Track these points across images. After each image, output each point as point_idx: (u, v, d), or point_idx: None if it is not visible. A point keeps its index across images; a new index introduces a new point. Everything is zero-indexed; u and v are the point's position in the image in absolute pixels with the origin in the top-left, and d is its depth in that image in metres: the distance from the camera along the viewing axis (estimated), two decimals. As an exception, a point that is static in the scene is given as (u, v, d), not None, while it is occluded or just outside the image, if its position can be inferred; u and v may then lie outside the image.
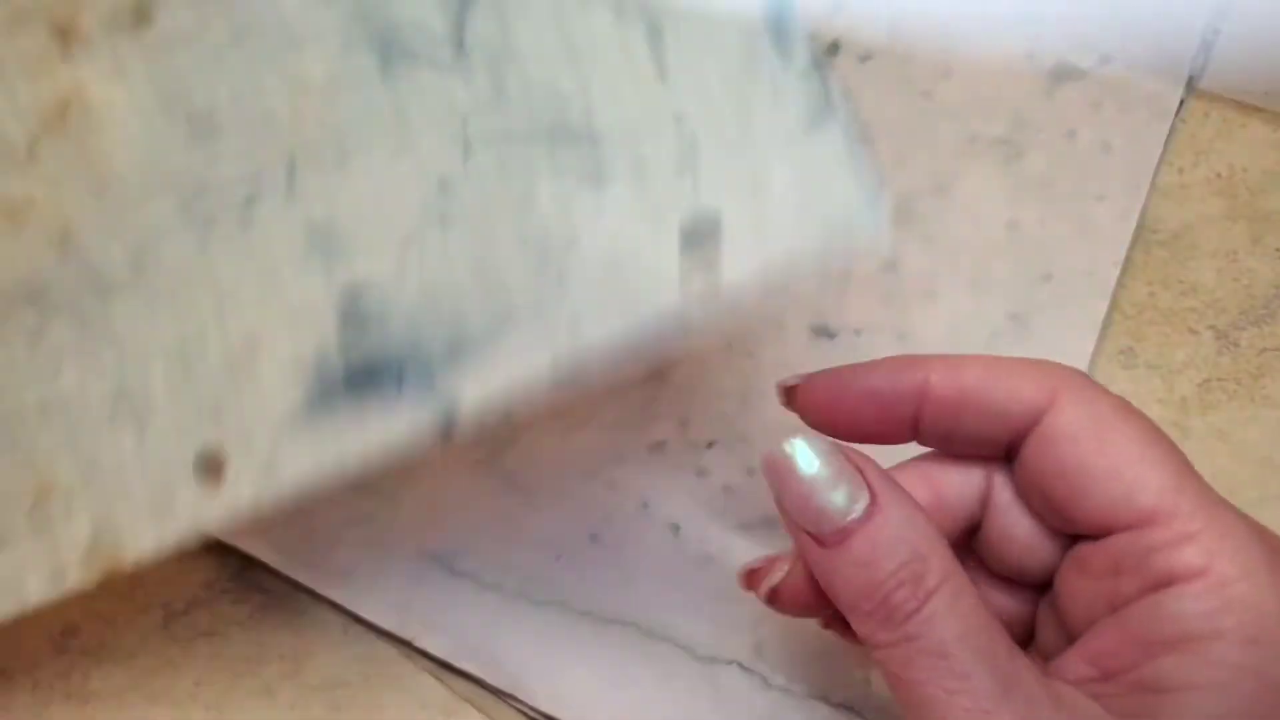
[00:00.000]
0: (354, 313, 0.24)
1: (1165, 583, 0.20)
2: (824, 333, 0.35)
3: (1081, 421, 0.22)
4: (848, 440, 0.23)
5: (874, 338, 0.34)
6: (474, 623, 0.32)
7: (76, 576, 0.26)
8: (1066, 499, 0.21)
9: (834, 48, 0.39)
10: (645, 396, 0.34)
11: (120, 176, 0.25)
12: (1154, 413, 0.34)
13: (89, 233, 0.25)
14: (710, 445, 0.33)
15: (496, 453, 0.34)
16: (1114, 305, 0.36)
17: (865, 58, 0.39)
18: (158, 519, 0.25)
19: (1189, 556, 0.20)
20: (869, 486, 0.21)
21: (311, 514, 0.33)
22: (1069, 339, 0.34)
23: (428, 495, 0.34)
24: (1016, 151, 0.37)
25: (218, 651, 0.32)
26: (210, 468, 0.25)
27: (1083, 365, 0.33)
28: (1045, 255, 0.35)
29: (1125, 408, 0.22)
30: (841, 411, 0.24)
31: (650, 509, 0.33)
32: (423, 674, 0.32)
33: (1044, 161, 0.37)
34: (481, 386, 0.24)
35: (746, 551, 0.31)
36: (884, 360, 0.24)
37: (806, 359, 0.33)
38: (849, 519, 0.21)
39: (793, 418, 0.26)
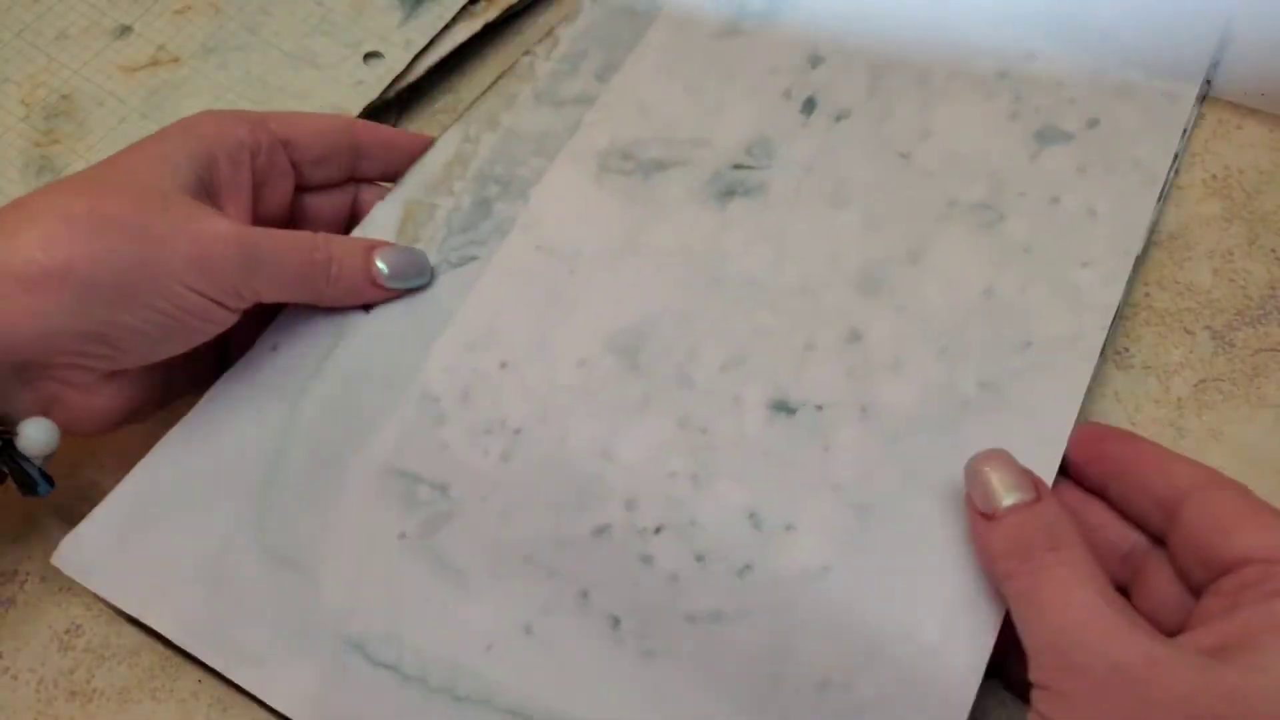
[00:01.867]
0: None
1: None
2: (783, 408, 0.33)
3: (1237, 492, 0.28)
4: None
5: (836, 412, 0.33)
6: (391, 718, 0.30)
7: None
8: (1219, 541, 0.27)
9: (810, 105, 0.39)
10: (590, 475, 0.32)
11: None
12: (1150, 413, 0.34)
13: None
14: (658, 530, 0.31)
15: (430, 530, 0.32)
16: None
17: (841, 116, 0.38)
18: None
19: None
20: (1036, 488, 0.28)
21: (223, 585, 0.32)
22: (1048, 407, 0.32)
23: (351, 573, 0.32)
24: (997, 216, 0.36)
25: (220, 650, 0.32)
26: None
27: (1065, 434, 0.31)
28: (1024, 322, 0.34)
29: (1255, 495, 0.28)
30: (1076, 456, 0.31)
31: (590, 599, 0.31)
32: None
33: (1026, 227, 0.35)
34: None
35: (693, 645, 0.30)
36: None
37: (764, 437, 0.32)
38: (1014, 502, 0.28)
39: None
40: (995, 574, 0.28)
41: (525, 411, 0.34)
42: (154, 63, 0.42)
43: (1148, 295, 0.36)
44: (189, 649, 0.31)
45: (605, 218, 0.37)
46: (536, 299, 0.36)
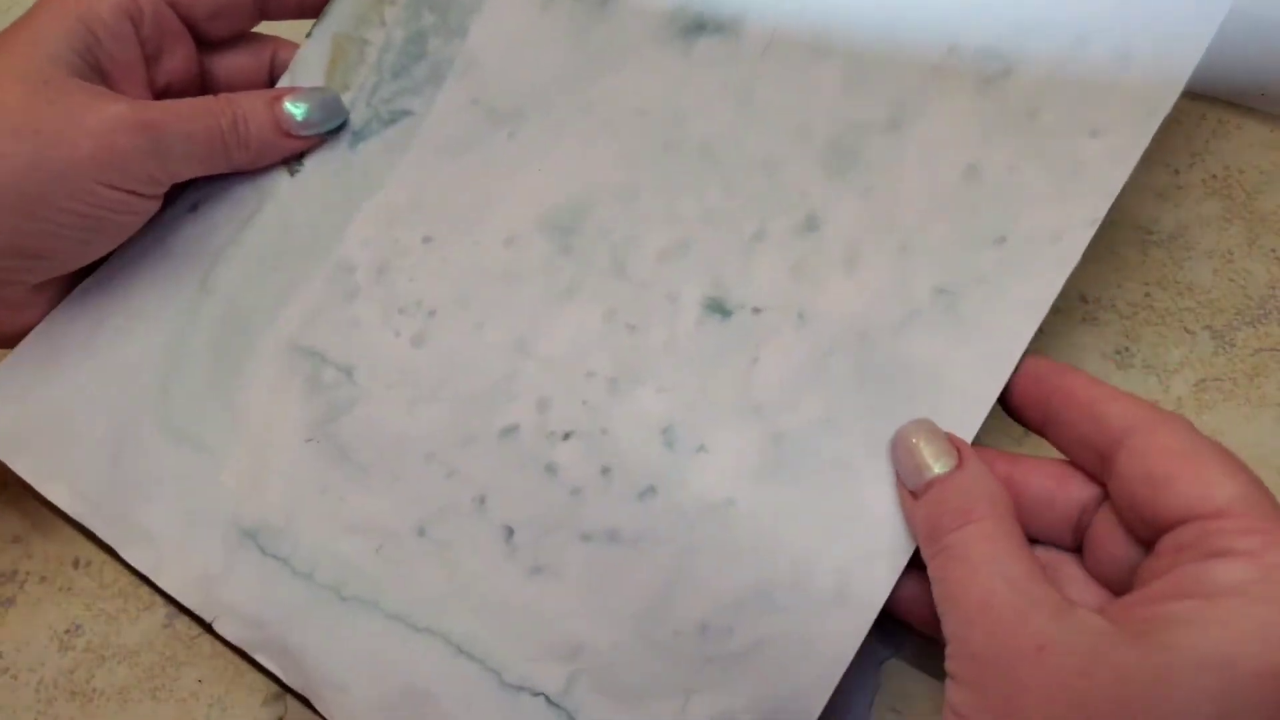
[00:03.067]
0: None
1: (1217, 555, 0.23)
2: (718, 309, 0.30)
3: (1173, 436, 0.25)
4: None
5: (772, 317, 0.29)
6: (276, 613, 0.29)
7: None
8: (1152, 496, 0.24)
9: None
10: (504, 370, 0.30)
11: None
12: (1150, 412, 0.34)
13: None
14: (567, 437, 0.30)
15: (331, 417, 0.31)
16: (1110, 305, 0.36)
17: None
18: None
19: (1247, 542, 0.23)
20: (959, 454, 0.26)
21: (122, 458, 0.30)
22: (1002, 326, 0.28)
23: (252, 460, 0.30)
24: (1003, 69, 0.30)
25: (220, 650, 0.32)
26: None
27: (1010, 365, 0.28)
28: (1005, 210, 0.29)
29: (1207, 438, 0.25)
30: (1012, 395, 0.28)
31: (487, 506, 0.29)
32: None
33: (1034, 81, 0.29)
34: None
35: (583, 566, 0.28)
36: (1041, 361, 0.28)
37: (693, 341, 0.30)
38: (935, 474, 0.26)
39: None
40: (922, 549, 0.26)
41: (443, 292, 0.31)
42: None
43: (1148, 295, 0.36)
44: (83, 522, 0.31)
45: (552, 61, 0.33)
46: (469, 167, 0.33)
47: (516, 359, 0.30)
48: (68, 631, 0.33)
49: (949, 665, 0.25)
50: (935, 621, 0.26)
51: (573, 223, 0.31)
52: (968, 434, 0.28)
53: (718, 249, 0.30)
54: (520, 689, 0.28)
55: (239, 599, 0.29)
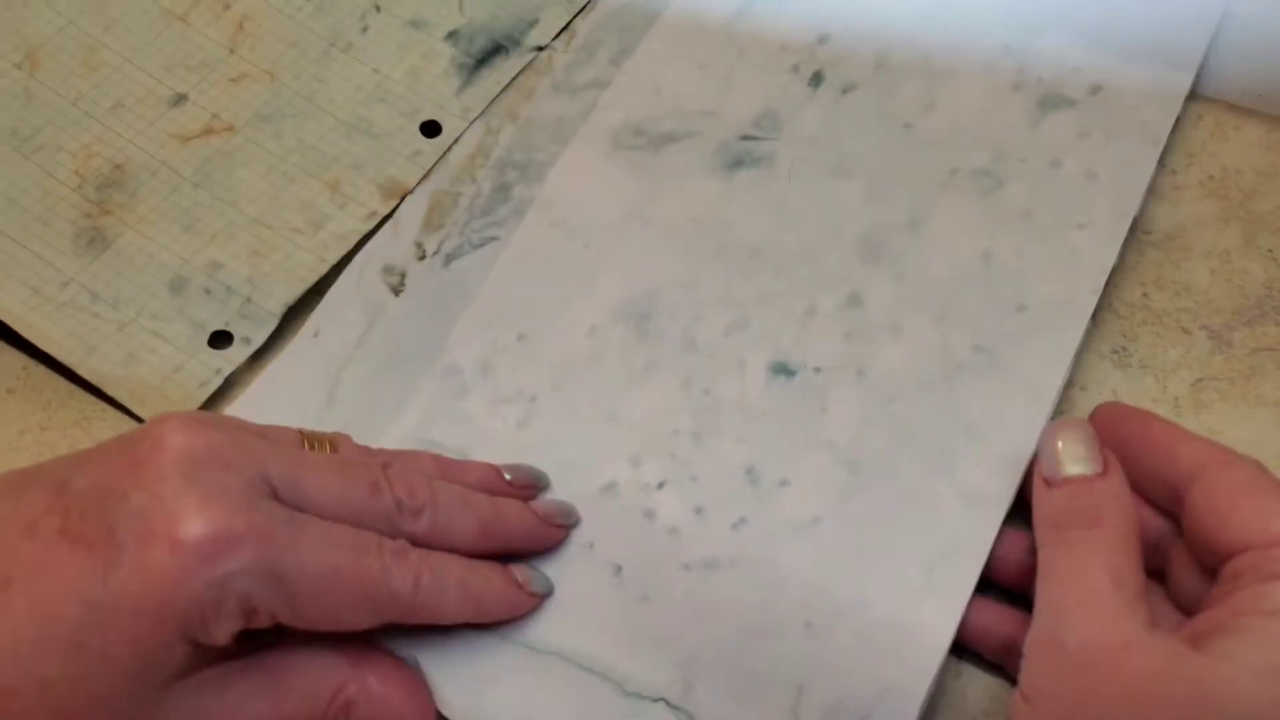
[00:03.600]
0: None
1: (1274, 578, 0.25)
2: (783, 370, 0.34)
3: (1242, 473, 0.28)
4: None
5: (833, 375, 0.34)
6: (403, 638, 0.30)
7: None
8: (1217, 527, 0.27)
9: (817, 79, 0.40)
10: (598, 436, 0.34)
11: None
12: (1147, 412, 0.34)
13: None
14: (661, 486, 0.33)
15: None
16: (1107, 305, 0.36)
17: (848, 89, 0.39)
18: None
19: None
20: (1106, 463, 0.28)
21: None
22: (1038, 369, 0.33)
23: None
24: (997, 183, 0.37)
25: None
26: None
27: (1052, 397, 0.33)
28: (1020, 285, 0.35)
29: (1275, 477, 0.28)
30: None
31: (595, 550, 0.32)
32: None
33: (1025, 192, 0.36)
34: None
35: (687, 591, 0.31)
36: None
37: (764, 399, 0.34)
38: (1078, 473, 0.28)
39: None
40: (1036, 539, 0.28)
41: (540, 380, 0.35)
42: (208, 131, 0.40)
43: (1145, 295, 0.36)
44: None
45: (616, 191, 0.39)
46: (551, 273, 0.37)
47: (608, 427, 0.34)
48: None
49: (1029, 650, 0.26)
50: (1003, 650, 0.29)
51: (645, 311, 0.36)
52: (1021, 461, 0.31)
53: (775, 322, 0.35)
54: (641, 697, 0.30)
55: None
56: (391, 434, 0.35)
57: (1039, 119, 0.38)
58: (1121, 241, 0.35)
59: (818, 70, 0.40)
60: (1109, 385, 0.35)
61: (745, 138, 0.39)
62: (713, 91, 0.40)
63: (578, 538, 0.33)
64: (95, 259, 0.38)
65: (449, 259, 0.38)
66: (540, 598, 0.31)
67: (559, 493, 0.33)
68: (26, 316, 0.37)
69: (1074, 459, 0.28)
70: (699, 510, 0.33)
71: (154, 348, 0.37)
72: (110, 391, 0.36)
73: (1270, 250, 0.37)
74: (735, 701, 0.30)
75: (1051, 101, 0.38)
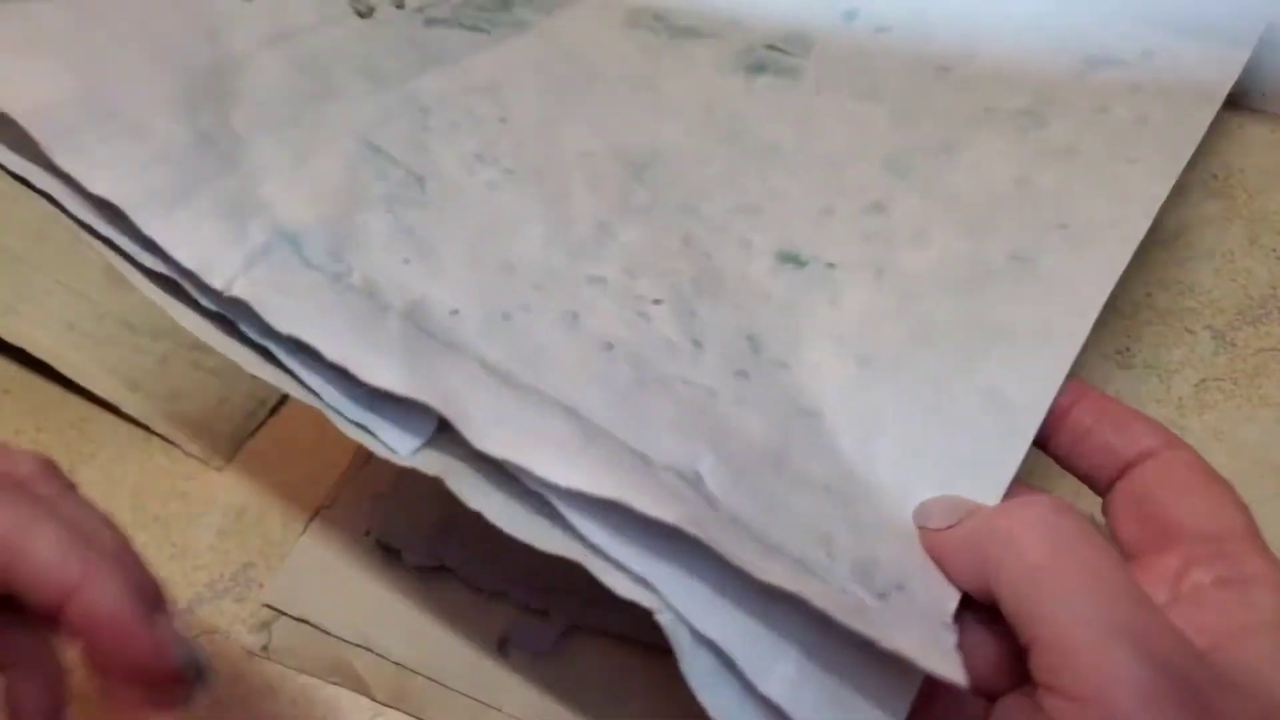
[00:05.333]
0: None
1: (1242, 577, 0.24)
2: (792, 259, 0.30)
3: (1194, 457, 0.26)
4: None
5: (849, 273, 0.30)
6: (316, 310, 0.26)
7: None
8: (1168, 506, 0.25)
9: (851, 14, 0.37)
10: (586, 236, 0.29)
11: None
12: (1151, 412, 0.34)
13: None
14: (658, 302, 0.28)
15: (398, 202, 0.29)
16: (1111, 305, 0.36)
17: (882, 29, 0.36)
18: None
19: (1260, 562, 0.24)
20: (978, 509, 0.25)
21: (141, 121, 0.28)
22: (1082, 283, 0.29)
23: (302, 178, 0.29)
24: (1039, 122, 0.33)
25: (220, 650, 0.32)
26: None
27: (1095, 309, 0.28)
28: (1062, 207, 0.31)
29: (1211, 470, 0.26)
30: None
31: (580, 321, 0.27)
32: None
33: (1070, 130, 0.33)
34: None
35: (687, 405, 0.26)
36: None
37: (768, 281, 0.29)
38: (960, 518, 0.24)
39: None
40: (983, 549, 0.23)
41: (522, 162, 0.31)
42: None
43: (1149, 295, 0.36)
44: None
45: (625, 58, 0.35)
46: (547, 86, 0.33)
47: (600, 234, 0.29)
48: (67, 631, 0.33)
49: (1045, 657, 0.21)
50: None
51: (646, 160, 0.32)
52: (1059, 373, 0.27)
53: (787, 216, 0.31)
54: (645, 459, 0.24)
55: (270, 285, 0.26)
56: (330, 113, 0.30)
57: (1086, 72, 0.34)
58: (1175, 178, 0.31)
59: (853, 8, 0.37)
60: (1112, 386, 0.35)
61: (771, 47, 0.36)
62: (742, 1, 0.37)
63: (556, 304, 0.27)
64: (129, 290, 0.36)
65: (430, 21, 0.34)
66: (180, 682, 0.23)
67: (539, 254, 0.28)
68: (67, 355, 0.36)
69: (957, 509, 0.25)
70: (697, 343, 0.27)
71: (198, 380, 0.36)
72: (159, 429, 0.36)
73: (1275, 250, 0.37)
74: (758, 504, 0.24)
75: (1100, 59, 0.34)
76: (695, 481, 0.24)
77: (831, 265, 0.30)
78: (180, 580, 0.34)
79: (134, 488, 0.36)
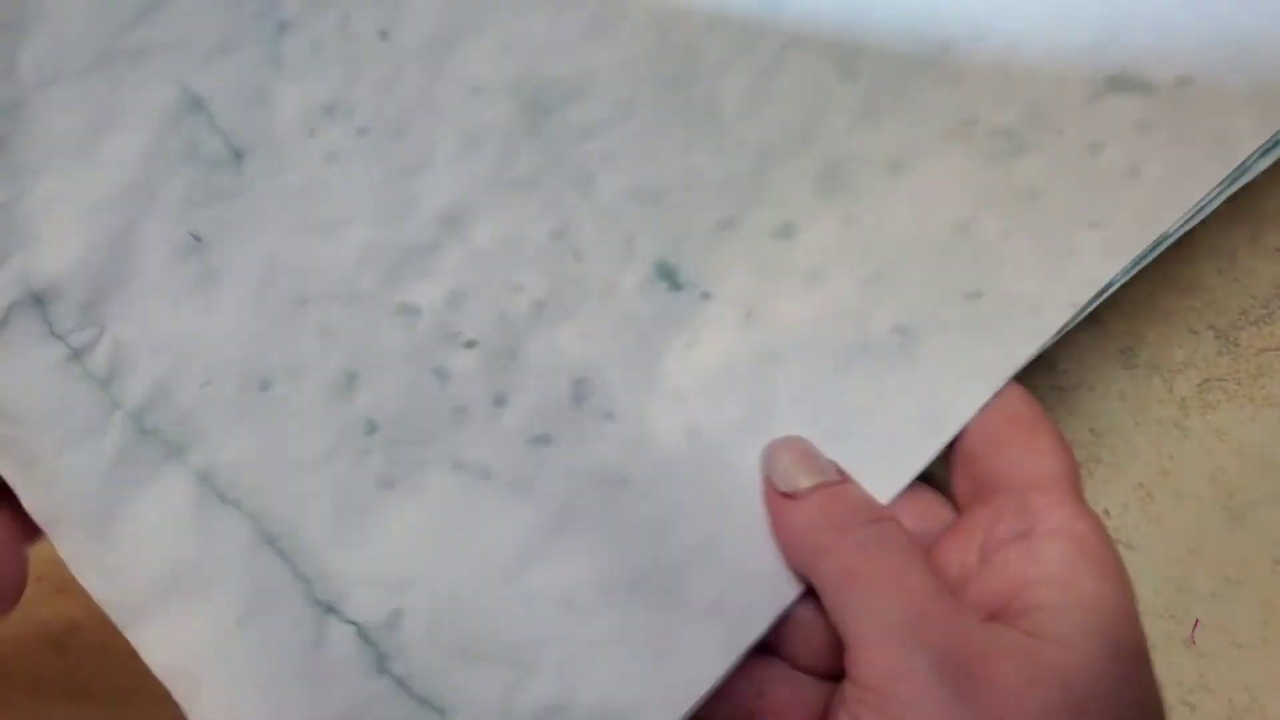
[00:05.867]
0: None
1: (1038, 531, 0.25)
2: (669, 278, 0.27)
3: (1016, 409, 0.26)
4: None
5: (720, 308, 0.27)
6: (41, 408, 0.24)
7: None
8: (988, 459, 0.26)
9: None
10: (426, 240, 0.26)
11: None
12: (1154, 413, 0.34)
13: None
14: (470, 345, 0.26)
15: (199, 197, 0.26)
16: (1113, 304, 0.36)
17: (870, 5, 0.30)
18: None
19: (1059, 512, 0.25)
20: (839, 473, 0.26)
21: None
22: (958, 380, 0.26)
23: (76, 191, 0.25)
24: (1015, 148, 0.28)
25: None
26: None
27: (950, 430, 0.26)
28: (987, 268, 0.27)
29: (1049, 420, 0.27)
30: None
31: (355, 387, 0.25)
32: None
33: (1042, 168, 0.28)
34: None
35: (444, 495, 0.25)
36: None
37: (634, 299, 0.27)
38: (818, 481, 0.26)
39: None
40: (804, 550, 0.25)
41: (384, 110, 0.27)
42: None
43: (1151, 294, 0.36)
44: None
45: None
46: None
47: (442, 232, 0.26)
48: (65, 632, 0.33)
49: (861, 669, 0.23)
50: (818, 659, 0.26)
51: (552, 103, 0.27)
52: (890, 490, 0.26)
53: (688, 215, 0.28)
54: (331, 610, 0.23)
55: None
56: (140, 44, 0.25)
57: (1100, 95, 0.29)
58: (1131, 259, 0.28)
59: None
60: (1115, 386, 0.35)
61: None
62: None
63: (339, 358, 0.25)
64: None
65: None
66: None
67: (347, 276, 0.26)
68: None
69: (810, 471, 0.26)
70: (499, 400, 0.26)
71: None
72: None
73: (1278, 249, 0.36)
74: (445, 655, 0.23)
75: (1124, 82, 0.29)
76: (385, 629, 0.23)
77: (707, 295, 0.27)
78: None
79: None
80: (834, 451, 0.26)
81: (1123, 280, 0.28)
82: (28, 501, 0.24)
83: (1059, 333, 0.27)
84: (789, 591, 0.25)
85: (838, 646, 0.24)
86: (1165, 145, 0.28)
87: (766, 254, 0.28)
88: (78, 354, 0.24)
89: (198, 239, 0.25)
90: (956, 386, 0.26)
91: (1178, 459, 0.33)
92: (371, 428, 0.25)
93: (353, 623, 0.23)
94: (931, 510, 0.27)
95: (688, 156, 0.28)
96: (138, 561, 0.24)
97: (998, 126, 0.29)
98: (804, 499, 0.25)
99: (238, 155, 0.26)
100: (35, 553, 0.34)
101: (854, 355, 0.27)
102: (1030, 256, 0.27)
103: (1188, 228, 0.28)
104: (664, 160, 0.28)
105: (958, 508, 0.27)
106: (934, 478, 0.27)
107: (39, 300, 0.24)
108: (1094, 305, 0.28)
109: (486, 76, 0.27)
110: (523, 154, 0.27)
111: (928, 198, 0.28)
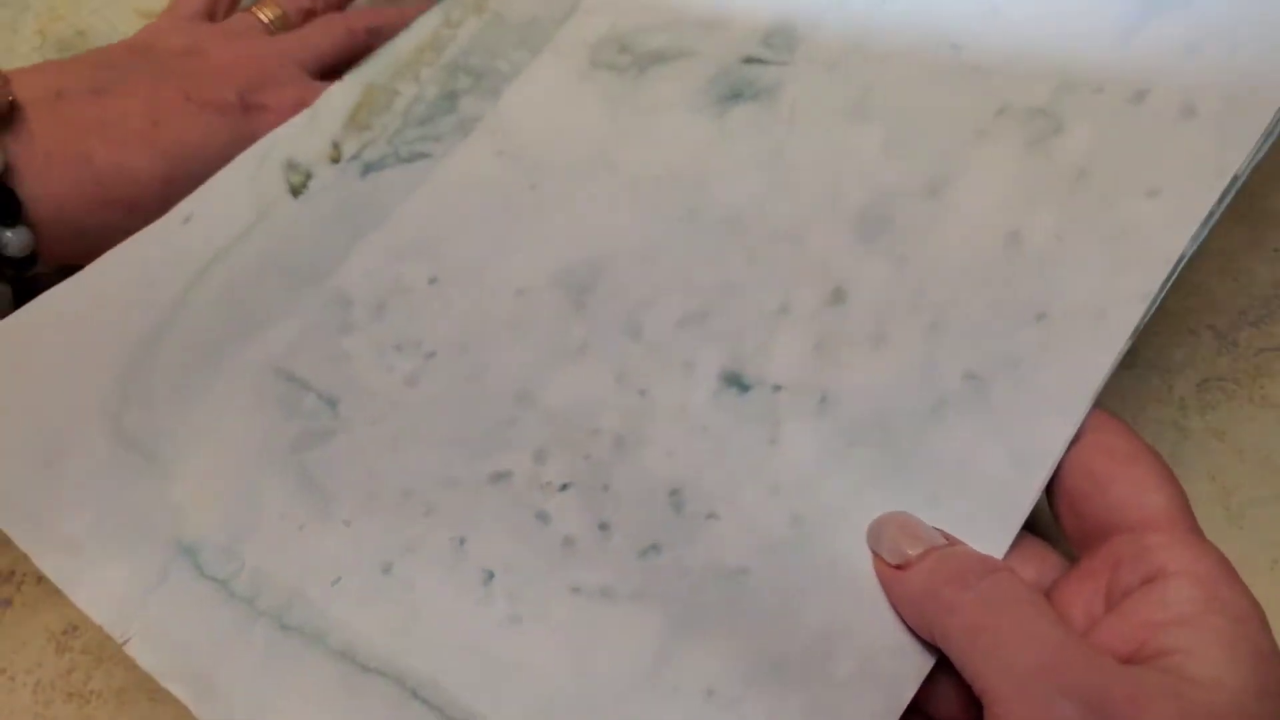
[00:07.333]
0: None
1: (1163, 574, 0.24)
2: (736, 383, 0.28)
3: (1112, 444, 0.26)
4: None
5: (793, 398, 0.27)
6: (204, 638, 0.26)
7: None
8: (1095, 500, 0.25)
9: None
10: (503, 417, 0.28)
11: None
12: (1153, 413, 0.34)
13: None
14: (564, 488, 0.27)
15: (304, 445, 0.29)
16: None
17: (868, 30, 0.31)
18: None
19: (1181, 552, 0.24)
20: (945, 537, 0.26)
21: (59, 458, 0.28)
22: (1038, 417, 0.25)
23: (205, 472, 0.28)
24: (1053, 127, 0.28)
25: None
26: None
27: (1054, 455, 0.26)
28: (1046, 281, 0.27)
29: (1148, 447, 0.26)
30: None
31: (466, 548, 0.27)
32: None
33: (1087, 138, 0.27)
34: None
35: (569, 619, 0.26)
36: None
37: (708, 412, 0.28)
38: (925, 549, 0.25)
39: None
40: (926, 615, 0.25)
41: (445, 335, 0.30)
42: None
43: (1150, 294, 0.36)
44: None
45: (584, 123, 0.32)
46: (486, 212, 0.31)
47: (516, 409, 0.29)
48: (65, 632, 0.33)
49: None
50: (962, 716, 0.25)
51: (589, 280, 0.30)
52: (998, 546, 0.26)
53: (738, 320, 0.29)
54: None
55: (163, 619, 0.27)
56: (247, 354, 0.30)
57: (1138, 27, 0.27)
58: (1199, 221, 0.25)
59: None
60: (1115, 386, 0.34)
61: (749, 60, 0.32)
62: None
63: (447, 529, 0.27)
64: None
65: (367, 169, 0.32)
66: None
67: (438, 467, 0.28)
68: None
69: (919, 540, 0.25)
70: (603, 526, 0.27)
71: None
72: None
73: (1277, 249, 0.36)
74: None
75: (1151, 7, 0.27)
76: None
77: (777, 388, 0.28)
78: None
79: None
80: (933, 518, 0.26)
81: (1193, 250, 0.26)
82: (203, 715, 0.26)
83: (1133, 335, 0.26)
84: (927, 658, 0.25)
85: (978, 703, 0.23)
86: (1218, 66, 0.26)
87: (825, 328, 0.28)
88: (225, 584, 0.27)
89: (310, 479, 0.29)
90: (1037, 424, 0.26)
91: (1176, 459, 0.33)
92: (489, 576, 0.27)
93: None
94: (1042, 558, 0.27)
95: (721, 272, 0.30)
96: None
97: (1032, 106, 0.28)
98: (915, 565, 0.25)
99: (332, 404, 0.30)
100: (35, 553, 0.34)
101: (933, 414, 0.27)
102: (1088, 250, 0.27)
103: (1253, 164, 0.25)
104: (700, 285, 0.30)
105: (1071, 547, 0.26)
106: (1036, 524, 0.27)
107: (190, 551, 0.28)
108: (1166, 290, 0.26)
109: (526, 280, 0.30)
110: (573, 326, 0.30)
111: (973, 211, 0.28)
